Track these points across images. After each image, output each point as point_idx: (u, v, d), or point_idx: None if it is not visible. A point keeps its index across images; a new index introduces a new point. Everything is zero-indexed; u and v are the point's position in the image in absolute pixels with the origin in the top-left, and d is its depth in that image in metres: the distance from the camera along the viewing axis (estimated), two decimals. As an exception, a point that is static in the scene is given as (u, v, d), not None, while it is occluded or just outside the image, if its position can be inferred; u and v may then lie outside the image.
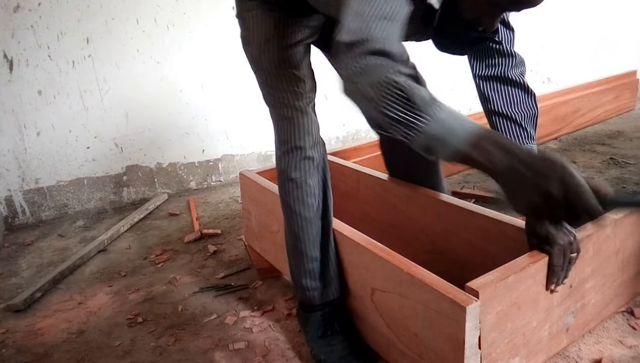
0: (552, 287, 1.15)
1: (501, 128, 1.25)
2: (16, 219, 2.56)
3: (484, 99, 1.27)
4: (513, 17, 1.23)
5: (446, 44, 1.15)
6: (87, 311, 1.73)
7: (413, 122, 0.87)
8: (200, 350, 1.46)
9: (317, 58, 1.47)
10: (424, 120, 0.87)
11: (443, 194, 1.57)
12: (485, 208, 1.43)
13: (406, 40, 1.18)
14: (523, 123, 1.23)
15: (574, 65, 4.27)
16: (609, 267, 1.33)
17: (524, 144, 1.22)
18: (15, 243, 2.37)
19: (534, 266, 1.11)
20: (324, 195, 1.42)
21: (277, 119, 1.40)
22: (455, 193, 2.46)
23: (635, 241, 1.39)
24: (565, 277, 1.16)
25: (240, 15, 1.35)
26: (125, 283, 1.90)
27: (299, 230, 1.39)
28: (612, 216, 1.31)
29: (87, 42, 2.51)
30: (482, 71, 1.26)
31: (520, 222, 1.28)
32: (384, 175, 1.75)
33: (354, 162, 2.03)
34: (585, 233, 1.23)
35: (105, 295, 1.83)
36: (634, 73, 3.97)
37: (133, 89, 2.66)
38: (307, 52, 1.38)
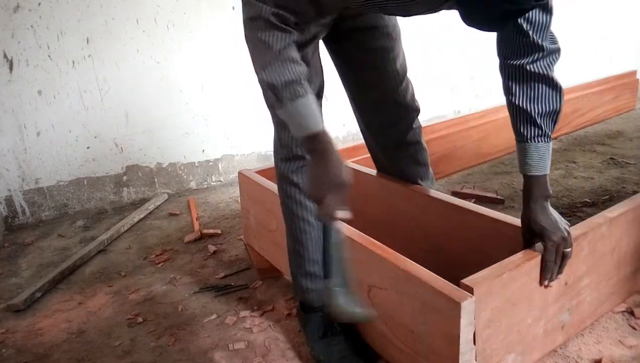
0: (546, 282, 1.15)
1: (516, 121, 1.23)
2: (16, 219, 2.57)
3: (506, 88, 1.24)
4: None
5: (473, 17, 1.04)
6: (87, 311, 1.74)
7: None
8: (200, 350, 1.46)
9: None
10: None
11: (442, 193, 1.57)
12: (482, 208, 1.44)
13: (422, 13, 1.15)
14: (539, 119, 1.20)
15: (574, 65, 4.27)
16: (604, 265, 1.33)
17: (534, 142, 1.21)
18: (15, 243, 2.37)
19: (528, 263, 1.11)
20: None
21: (277, 124, 1.38)
22: (455, 193, 2.46)
23: (631, 240, 1.39)
24: (560, 272, 1.16)
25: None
26: (125, 283, 1.90)
27: (301, 234, 1.39)
28: (608, 214, 1.32)
29: (87, 42, 2.52)
30: (507, 60, 1.21)
31: (516, 220, 1.29)
32: (383, 175, 1.76)
33: (353, 161, 2.03)
34: (580, 231, 1.24)
35: (105, 295, 1.83)
36: (634, 73, 3.97)
37: (133, 89, 2.67)
38: (316, 49, 1.34)
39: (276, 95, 1.08)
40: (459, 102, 3.64)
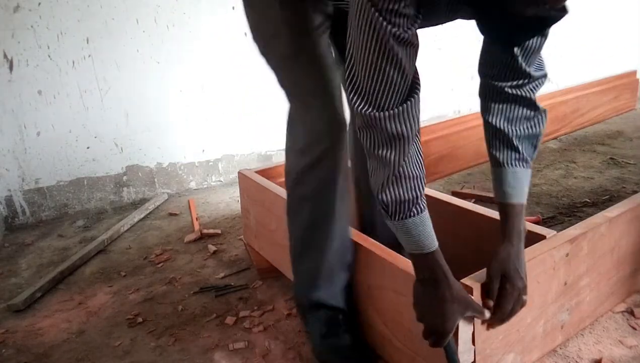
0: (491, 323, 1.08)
1: (492, 144, 1.14)
2: (16, 219, 2.57)
3: (484, 108, 1.15)
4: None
5: (494, 30, 1.00)
6: (87, 311, 1.74)
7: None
8: (200, 350, 1.46)
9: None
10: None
11: (442, 193, 1.57)
12: (482, 208, 1.44)
13: (432, 24, 1.06)
14: (516, 141, 1.11)
15: (574, 65, 4.27)
16: (604, 265, 1.33)
17: (510, 166, 1.11)
18: (15, 243, 2.37)
19: (528, 263, 1.11)
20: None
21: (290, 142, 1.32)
22: (455, 193, 2.46)
23: (631, 240, 1.40)
24: (510, 317, 1.07)
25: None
26: (125, 283, 1.90)
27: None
28: (607, 214, 1.32)
29: (87, 42, 2.52)
30: (488, 79, 1.12)
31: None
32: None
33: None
34: (580, 231, 1.24)
35: (105, 295, 1.83)
36: (634, 73, 3.96)
37: (133, 89, 2.67)
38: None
39: (396, 209, 0.98)
40: (459, 102, 3.64)
